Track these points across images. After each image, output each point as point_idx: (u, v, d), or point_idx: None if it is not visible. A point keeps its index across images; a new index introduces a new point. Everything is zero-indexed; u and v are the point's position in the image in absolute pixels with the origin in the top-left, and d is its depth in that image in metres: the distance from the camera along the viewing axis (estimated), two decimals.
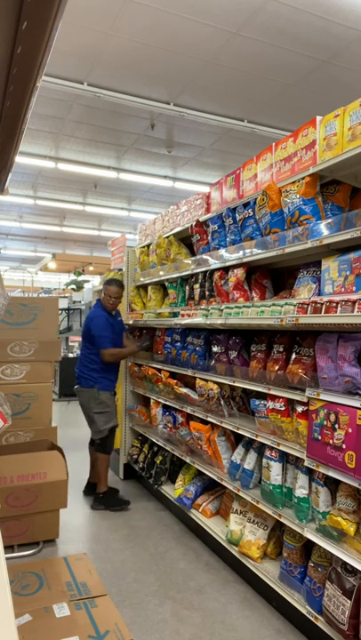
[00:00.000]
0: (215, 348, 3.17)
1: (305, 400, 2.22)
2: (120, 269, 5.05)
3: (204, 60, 5.16)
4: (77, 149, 7.88)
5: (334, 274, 2.14)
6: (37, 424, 3.68)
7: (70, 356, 10.04)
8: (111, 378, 4.11)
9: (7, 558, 2.70)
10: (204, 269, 3.28)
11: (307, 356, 2.35)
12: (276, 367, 2.51)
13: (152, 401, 4.07)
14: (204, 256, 3.28)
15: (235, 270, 2.90)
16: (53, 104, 6.16)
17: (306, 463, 2.21)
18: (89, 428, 4.11)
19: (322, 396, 2.10)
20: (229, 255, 2.96)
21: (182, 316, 3.45)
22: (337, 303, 1.97)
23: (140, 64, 5.26)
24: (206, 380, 3.11)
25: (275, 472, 2.51)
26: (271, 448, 2.55)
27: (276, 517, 2.46)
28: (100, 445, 4.02)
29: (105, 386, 4.03)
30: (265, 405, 2.52)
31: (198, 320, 3.16)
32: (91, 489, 4.17)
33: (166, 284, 4.00)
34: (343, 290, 2.08)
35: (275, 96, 6.00)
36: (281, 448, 2.43)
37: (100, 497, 3.96)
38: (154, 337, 4.28)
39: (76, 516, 3.80)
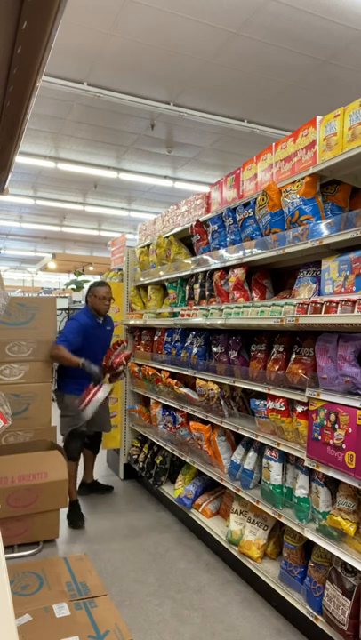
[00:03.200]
0: (215, 348, 3.17)
1: (305, 400, 2.22)
2: (120, 269, 5.05)
3: (204, 59, 5.16)
4: (77, 149, 7.88)
5: (334, 274, 2.14)
6: (37, 424, 3.68)
7: None
8: (80, 382, 3.72)
9: (7, 558, 2.70)
10: (204, 269, 3.28)
11: (307, 356, 2.35)
12: (276, 367, 2.51)
13: (152, 401, 4.07)
14: (204, 256, 3.28)
15: (235, 270, 2.90)
16: (53, 104, 6.16)
17: (306, 463, 2.21)
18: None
19: (322, 396, 2.10)
20: (229, 255, 2.96)
21: (182, 316, 3.45)
22: (337, 303, 1.97)
23: (140, 64, 5.25)
24: (206, 380, 3.11)
25: (275, 472, 2.51)
26: (271, 448, 2.55)
27: (276, 517, 2.46)
28: (64, 450, 3.68)
29: (71, 390, 3.76)
30: (265, 405, 2.52)
31: (198, 320, 3.16)
32: (84, 487, 4.22)
33: (166, 284, 4.00)
34: (343, 290, 2.08)
35: (275, 96, 6.00)
36: (281, 448, 2.43)
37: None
38: (153, 338, 4.27)
39: None
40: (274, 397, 2.44)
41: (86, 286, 13.73)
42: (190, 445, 3.44)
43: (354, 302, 1.90)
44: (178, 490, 3.59)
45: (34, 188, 10.01)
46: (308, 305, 2.14)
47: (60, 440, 3.76)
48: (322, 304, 2.05)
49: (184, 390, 3.45)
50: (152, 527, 3.61)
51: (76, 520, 3.66)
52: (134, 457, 4.45)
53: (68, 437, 3.77)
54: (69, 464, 3.65)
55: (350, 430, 1.92)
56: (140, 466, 4.28)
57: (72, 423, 3.73)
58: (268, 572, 2.60)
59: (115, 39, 4.79)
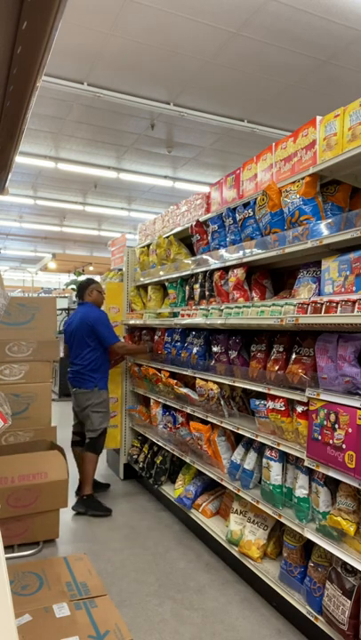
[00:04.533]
0: (215, 348, 3.17)
1: (305, 400, 2.22)
2: (120, 269, 5.05)
3: (204, 59, 5.16)
4: (77, 149, 7.88)
5: (334, 274, 2.14)
6: (37, 424, 3.68)
7: None
8: (107, 376, 4.18)
9: (7, 558, 2.70)
10: (204, 269, 3.28)
11: (307, 356, 2.35)
12: (276, 367, 2.51)
13: (152, 401, 4.07)
14: (204, 256, 3.28)
15: (235, 270, 2.90)
16: (53, 104, 6.16)
17: (306, 463, 2.21)
18: (83, 427, 4.11)
19: (322, 396, 2.10)
20: (229, 255, 2.96)
21: (182, 315, 3.45)
22: (337, 303, 1.97)
23: (140, 64, 5.26)
24: (206, 380, 3.11)
25: (275, 472, 2.51)
26: (271, 448, 2.55)
27: (276, 517, 2.46)
28: (91, 445, 3.97)
29: (104, 385, 4.09)
30: (265, 405, 2.52)
31: (198, 320, 3.16)
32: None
33: (166, 284, 3.99)
34: (343, 290, 2.08)
35: (275, 96, 6.00)
36: (281, 448, 2.43)
37: (84, 499, 3.88)
38: (153, 338, 4.28)
39: (76, 516, 3.80)
40: (274, 397, 2.44)
41: None
42: (190, 445, 3.44)
43: (354, 302, 1.90)
44: (178, 490, 3.59)
45: (34, 188, 10.01)
46: (308, 305, 2.14)
47: (60, 440, 3.76)
48: (322, 304, 2.05)
49: (184, 390, 3.45)
50: (152, 527, 3.61)
51: (104, 510, 3.83)
52: (134, 457, 4.45)
53: (100, 433, 4.01)
54: (95, 458, 3.98)
55: (350, 430, 1.92)
56: (140, 466, 4.28)
57: (106, 418, 4.07)
58: (268, 571, 2.60)
59: (115, 39, 4.79)
